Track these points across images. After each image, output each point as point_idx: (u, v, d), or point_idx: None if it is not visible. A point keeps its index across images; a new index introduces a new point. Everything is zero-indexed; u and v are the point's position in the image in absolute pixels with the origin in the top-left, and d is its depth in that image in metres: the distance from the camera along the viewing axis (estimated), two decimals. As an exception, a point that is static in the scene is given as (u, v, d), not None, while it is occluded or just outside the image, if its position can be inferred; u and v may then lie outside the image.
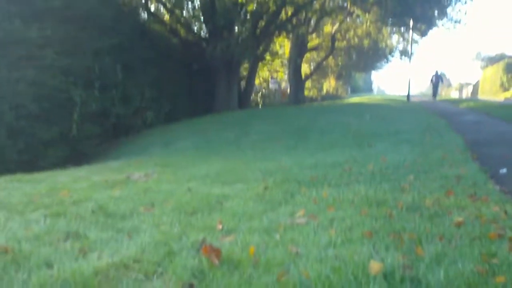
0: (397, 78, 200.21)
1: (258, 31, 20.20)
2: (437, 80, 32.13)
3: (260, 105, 29.17)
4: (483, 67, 53.06)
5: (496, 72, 42.32)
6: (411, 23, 24.40)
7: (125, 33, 14.22)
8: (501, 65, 41.79)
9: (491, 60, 54.09)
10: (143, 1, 18.26)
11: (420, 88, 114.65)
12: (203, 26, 20.71)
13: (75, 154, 11.58)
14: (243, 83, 24.59)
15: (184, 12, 20.66)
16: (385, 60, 42.28)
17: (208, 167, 6.38)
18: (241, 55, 18.13)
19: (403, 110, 17.58)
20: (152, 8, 19.52)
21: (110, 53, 12.93)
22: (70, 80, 11.89)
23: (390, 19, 22.32)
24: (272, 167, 6.08)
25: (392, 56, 39.98)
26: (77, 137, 11.75)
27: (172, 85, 17.70)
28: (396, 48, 38.88)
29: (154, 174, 5.92)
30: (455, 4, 24.01)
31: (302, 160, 6.62)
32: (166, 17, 20.20)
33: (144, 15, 18.62)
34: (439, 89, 34.03)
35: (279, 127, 11.30)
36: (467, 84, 57.74)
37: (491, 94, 40.21)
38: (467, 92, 55.24)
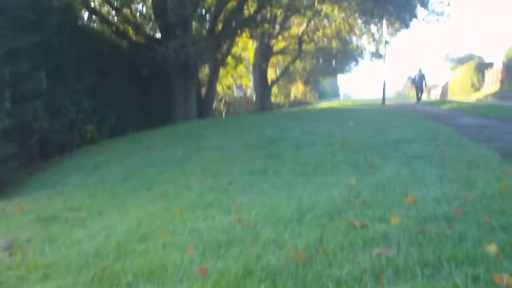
0: (364, 82, 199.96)
1: (217, 29, 17.78)
2: (421, 79, 30.13)
3: (223, 114, 26.69)
4: (452, 68, 51.73)
5: (466, 72, 41.15)
6: (392, 14, 22.40)
7: (53, 31, 11.59)
8: (471, 65, 40.81)
9: (460, 61, 52.82)
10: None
11: (388, 92, 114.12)
12: (155, 25, 18.20)
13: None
14: (203, 90, 22.17)
15: (133, 10, 18.11)
16: (355, 62, 40.12)
17: (115, 225, 3.90)
18: (198, 56, 15.57)
19: (388, 113, 15.34)
20: (93, 4, 16.79)
21: (29, 55, 10.28)
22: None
23: (371, 8, 20.31)
24: (221, 225, 3.54)
25: (362, 58, 37.99)
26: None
27: (119, 93, 15.10)
28: (365, 50, 36.90)
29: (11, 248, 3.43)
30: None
31: (275, 202, 4.09)
32: (110, 16, 17.61)
33: (83, 12, 15.90)
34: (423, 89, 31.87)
35: (242, 140, 8.80)
36: (435, 86, 56.50)
37: (461, 95, 38.78)
38: (435, 94, 53.97)
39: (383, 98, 29.56)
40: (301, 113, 17.42)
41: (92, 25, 16.33)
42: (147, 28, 18.47)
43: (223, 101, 27.85)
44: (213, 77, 21.59)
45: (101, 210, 4.60)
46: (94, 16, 16.54)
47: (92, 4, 16.52)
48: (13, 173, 9.62)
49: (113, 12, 17.73)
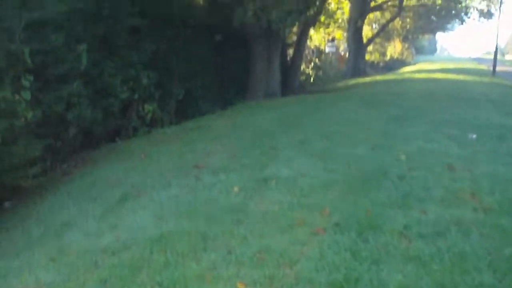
0: (463, 39, 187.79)
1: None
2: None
3: (311, 79, 23.93)
4: None
5: None
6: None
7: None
8: None
9: None
10: None
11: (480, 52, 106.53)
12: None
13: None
14: (289, 53, 19.61)
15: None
16: (460, 21, 35.86)
17: None
18: (281, 21, 12.90)
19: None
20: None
21: (64, 26, 8.11)
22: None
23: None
24: None
25: (468, 17, 33.85)
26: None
27: (187, 62, 12.91)
28: (473, 8, 32.69)
29: None
30: None
31: None
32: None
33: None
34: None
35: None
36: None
37: None
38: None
39: (494, 66, 25.80)
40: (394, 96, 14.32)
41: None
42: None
43: (312, 64, 25.03)
44: (301, 39, 18.90)
45: None
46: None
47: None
48: (40, 177, 7.73)
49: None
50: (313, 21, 19.00)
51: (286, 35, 16.48)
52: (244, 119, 10.70)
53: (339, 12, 26.87)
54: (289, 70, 18.10)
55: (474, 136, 7.70)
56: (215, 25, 13.65)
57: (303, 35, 18.90)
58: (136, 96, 10.55)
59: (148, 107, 10.85)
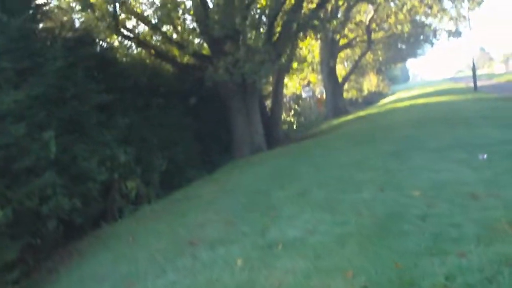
0: (433, 62, 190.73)
1: (275, 36, 14.66)
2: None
3: (294, 125, 23.49)
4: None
5: None
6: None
7: (59, 75, 8.75)
8: None
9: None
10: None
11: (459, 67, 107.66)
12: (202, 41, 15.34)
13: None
14: (268, 105, 19.21)
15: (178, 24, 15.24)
16: (430, 44, 36.12)
17: None
18: (255, 73, 12.43)
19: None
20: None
21: (23, 114, 7.48)
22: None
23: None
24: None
25: (438, 40, 34.14)
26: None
27: (165, 130, 12.36)
28: (441, 30, 32.96)
29: None
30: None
31: None
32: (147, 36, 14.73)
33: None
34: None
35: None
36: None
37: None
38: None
39: (475, 83, 25.67)
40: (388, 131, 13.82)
41: (124, 51, 13.49)
42: (194, 45, 15.52)
43: (292, 111, 24.65)
44: (278, 88, 18.55)
45: None
46: (126, 41, 13.74)
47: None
48: (22, 281, 6.92)
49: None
50: (286, 69, 18.67)
51: (262, 86, 16.06)
52: (234, 180, 10.06)
53: (309, 56, 26.73)
54: (270, 121, 17.62)
55: (485, 156, 7.12)
56: (188, 89, 13.14)
57: (279, 84, 18.58)
58: (116, 175, 9.86)
59: (130, 183, 10.16)
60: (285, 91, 23.71)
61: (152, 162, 11.31)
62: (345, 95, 34.87)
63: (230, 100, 14.49)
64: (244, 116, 14.61)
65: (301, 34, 16.19)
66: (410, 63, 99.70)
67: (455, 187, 5.50)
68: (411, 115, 16.42)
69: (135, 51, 14.29)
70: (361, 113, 25.11)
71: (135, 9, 14.57)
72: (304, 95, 30.58)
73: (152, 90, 12.31)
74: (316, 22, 14.98)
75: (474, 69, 27.11)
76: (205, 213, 7.37)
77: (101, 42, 12.06)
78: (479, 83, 29.23)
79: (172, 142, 12.50)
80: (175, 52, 14.94)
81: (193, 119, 13.99)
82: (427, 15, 27.88)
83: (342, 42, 29.21)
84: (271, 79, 18.33)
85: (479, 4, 25.73)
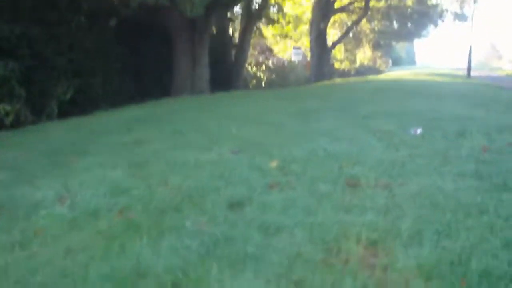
0: (444, 49, 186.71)
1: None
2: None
3: (262, 83, 21.57)
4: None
5: None
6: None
7: None
8: None
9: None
10: None
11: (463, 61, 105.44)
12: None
13: None
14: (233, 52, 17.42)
15: None
16: (433, 25, 34.03)
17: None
18: (188, 3, 10.17)
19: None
20: None
21: None
22: None
23: None
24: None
25: (442, 21, 32.11)
26: None
27: (78, 54, 10.52)
28: (446, 11, 30.93)
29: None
30: None
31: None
32: None
33: None
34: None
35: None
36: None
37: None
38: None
39: (469, 69, 23.90)
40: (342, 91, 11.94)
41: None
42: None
43: (263, 66, 22.66)
44: (245, 35, 16.66)
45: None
46: None
47: None
48: None
49: None
50: (258, 15, 16.74)
51: (209, 28, 13.94)
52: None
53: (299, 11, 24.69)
54: (231, 68, 15.91)
55: (418, 131, 5.33)
56: (116, 10, 11.09)
57: (247, 32, 16.66)
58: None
59: (5, 107, 8.32)
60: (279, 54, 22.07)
61: (49, 88, 9.46)
62: (337, 65, 32.79)
63: (177, 39, 12.64)
64: (189, 58, 12.76)
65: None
66: (418, 47, 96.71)
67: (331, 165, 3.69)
68: (381, 85, 14.56)
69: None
70: (338, 80, 23.22)
71: None
72: (293, 57, 28.85)
73: (72, 3, 10.35)
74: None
75: (470, 56, 25.55)
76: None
77: None
78: (479, 74, 27.58)
79: (88, 71, 10.64)
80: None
81: (129, 52, 12.17)
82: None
83: (338, 4, 26.97)
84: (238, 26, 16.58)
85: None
